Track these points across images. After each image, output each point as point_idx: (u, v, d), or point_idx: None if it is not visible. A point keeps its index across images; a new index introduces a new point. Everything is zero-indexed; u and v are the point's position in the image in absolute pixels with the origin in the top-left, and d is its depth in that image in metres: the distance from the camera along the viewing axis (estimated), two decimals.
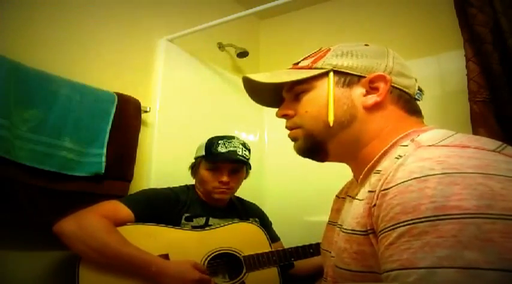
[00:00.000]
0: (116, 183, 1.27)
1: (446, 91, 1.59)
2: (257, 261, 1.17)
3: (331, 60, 0.61)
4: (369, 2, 1.95)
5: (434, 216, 0.38)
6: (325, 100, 0.60)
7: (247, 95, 0.72)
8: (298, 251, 1.22)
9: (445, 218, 0.38)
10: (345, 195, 0.68)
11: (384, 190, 0.45)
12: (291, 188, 1.91)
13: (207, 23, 1.56)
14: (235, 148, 1.26)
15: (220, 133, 1.38)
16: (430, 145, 0.47)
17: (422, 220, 0.39)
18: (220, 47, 1.97)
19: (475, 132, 1.09)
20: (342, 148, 0.62)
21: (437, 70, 1.63)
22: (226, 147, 1.25)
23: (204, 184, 1.28)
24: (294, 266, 1.31)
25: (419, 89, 0.64)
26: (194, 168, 1.33)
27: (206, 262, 1.12)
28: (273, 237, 1.36)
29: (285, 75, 0.65)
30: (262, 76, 0.66)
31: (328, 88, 0.60)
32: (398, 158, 0.49)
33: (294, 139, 0.66)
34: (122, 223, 1.07)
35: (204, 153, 1.27)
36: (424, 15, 1.76)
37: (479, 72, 1.10)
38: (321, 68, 0.61)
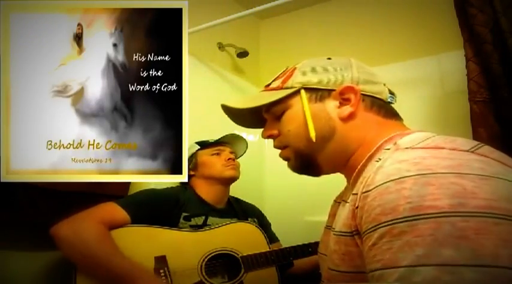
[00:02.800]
0: (115, 183, 1.27)
1: (446, 91, 1.59)
2: (255, 261, 1.17)
3: (299, 79, 0.64)
4: (369, 2, 1.95)
5: (411, 216, 0.40)
6: (303, 117, 0.63)
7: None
8: (297, 251, 1.22)
9: (421, 218, 0.39)
10: (340, 200, 0.70)
11: (365, 192, 0.47)
12: (291, 188, 1.90)
13: (207, 23, 1.56)
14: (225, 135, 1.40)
15: (220, 133, 1.39)
16: (407, 148, 0.50)
17: (401, 220, 0.40)
18: (220, 47, 1.96)
19: (475, 132, 1.09)
20: (331, 160, 0.64)
21: (437, 70, 1.63)
22: (214, 140, 1.39)
23: (211, 168, 1.32)
24: (293, 265, 1.31)
25: (391, 93, 0.67)
26: (191, 165, 1.35)
27: (204, 262, 1.12)
28: (271, 238, 1.35)
29: (258, 98, 0.69)
30: (239, 103, 0.71)
31: (303, 105, 0.63)
32: (378, 161, 0.51)
33: (285, 159, 0.69)
34: (119, 226, 1.07)
35: (199, 147, 1.37)
36: (424, 15, 1.76)
37: (479, 72, 1.11)
38: (292, 87, 0.64)
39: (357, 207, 0.49)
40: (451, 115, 1.50)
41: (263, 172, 2.01)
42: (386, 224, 0.42)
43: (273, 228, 1.46)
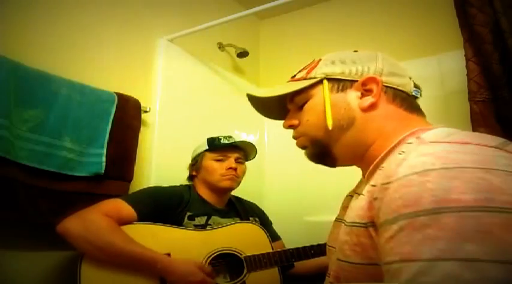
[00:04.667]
0: (115, 183, 1.27)
1: (446, 91, 1.59)
2: (258, 261, 1.17)
3: (323, 69, 0.65)
4: (369, 2, 1.95)
5: (434, 209, 0.39)
6: (322, 107, 0.63)
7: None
8: (299, 252, 1.22)
9: (445, 212, 0.38)
10: (353, 193, 0.69)
11: (386, 183, 0.46)
12: (291, 188, 1.90)
13: (207, 23, 1.56)
14: (236, 140, 1.36)
15: (220, 133, 1.39)
16: (432, 142, 0.49)
17: (423, 213, 0.39)
18: (220, 47, 1.97)
19: (475, 132, 1.09)
20: (346, 151, 0.64)
21: (437, 70, 1.63)
22: (228, 140, 1.34)
23: (210, 175, 1.30)
24: (294, 267, 1.31)
25: (416, 86, 0.66)
26: (195, 165, 1.35)
27: (207, 262, 1.12)
28: (273, 236, 1.36)
29: (283, 88, 0.69)
30: (263, 92, 0.72)
31: (323, 94, 0.63)
32: (401, 154, 0.50)
33: (302, 147, 0.69)
34: (125, 221, 1.07)
35: (207, 147, 1.33)
36: (424, 15, 1.76)
37: (479, 72, 1.10)
38: (315, 77, 0.65)
39: (376, 198, 0.48)
40: (451, 115, 1.50)
41: (263, 172, 2.01)
42: (407, 216, 0.40)
43: None
